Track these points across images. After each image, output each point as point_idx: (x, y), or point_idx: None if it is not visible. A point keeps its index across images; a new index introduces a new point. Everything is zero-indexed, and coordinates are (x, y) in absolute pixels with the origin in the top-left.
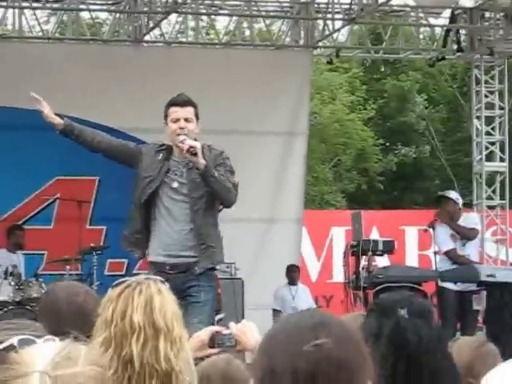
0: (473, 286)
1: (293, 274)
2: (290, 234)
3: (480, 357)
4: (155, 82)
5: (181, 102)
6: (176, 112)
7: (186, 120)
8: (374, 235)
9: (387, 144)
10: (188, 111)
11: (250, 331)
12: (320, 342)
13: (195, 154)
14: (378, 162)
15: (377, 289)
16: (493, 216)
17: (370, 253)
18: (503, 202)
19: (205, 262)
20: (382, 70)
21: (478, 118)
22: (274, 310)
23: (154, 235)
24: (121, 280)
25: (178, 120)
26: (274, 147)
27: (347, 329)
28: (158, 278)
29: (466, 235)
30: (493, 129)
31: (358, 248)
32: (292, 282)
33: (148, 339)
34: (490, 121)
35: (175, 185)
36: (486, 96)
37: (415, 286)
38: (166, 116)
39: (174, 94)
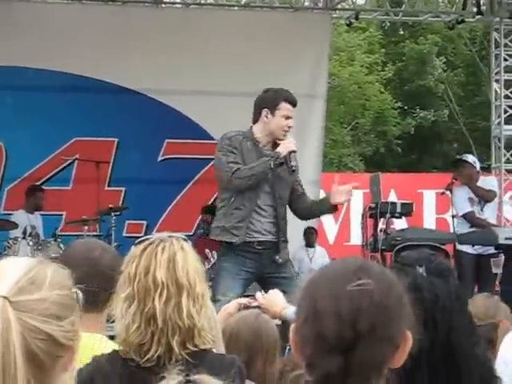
0: (491, 249)
1: (310, 236)
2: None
3: (492, 304)
4: (173, 44)
5: (295, 102)
6: (289, 110)
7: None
8: (392, 198)
9: (405, 107)
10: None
11: (277, 300)
12: (362, 282)
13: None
14: (396, 125)
15: (398, 247)
16: (511, 179)
17: (388, 215)
18: None
19: (284, 255)
20: (401, 32)
21: (497, 81)
22: None
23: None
24: (144, 237)
25: (288, 118)
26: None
27: (389, 275)
28: (181, 235)
29: (484, 197)
30: None
31: (376, 210)
32: (309, 244)
33: (171, 295)
34: (509, 84)
35: (269, 175)
36: (506, 59)
37: (437, 244)
38: (272, 106)
39: (192, 56)
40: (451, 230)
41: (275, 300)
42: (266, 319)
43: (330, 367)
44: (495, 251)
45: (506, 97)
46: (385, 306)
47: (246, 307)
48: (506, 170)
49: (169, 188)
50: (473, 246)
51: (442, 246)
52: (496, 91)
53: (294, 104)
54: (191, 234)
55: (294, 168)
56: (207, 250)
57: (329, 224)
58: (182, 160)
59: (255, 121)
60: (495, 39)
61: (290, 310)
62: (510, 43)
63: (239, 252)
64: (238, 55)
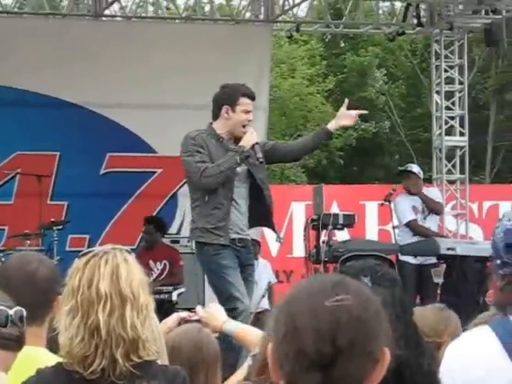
0: (432, 259)
1: (253, 248)
2: None
3: (443, 318)
4: (115, 57)
5: (253, 96)
6: (248, 104)
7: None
8: (335, 209)
9: None
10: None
11: (217, 314)
12: (341, 298)
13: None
14: (337, 137)
15: (343, 258)
16: (452, 190)
17: (330, 227)
18: (463, 176)
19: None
20: (342, 45)
21: (438, 92)
22: None
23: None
24: (88, 250)
25: (248, 112)
26: None
27: (366, 290)
28: (124, 247)
29: (434, 208)
30: (452, 103)
31: (319, 222)
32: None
33: (114, 307)
34: (449, 95)
35: (239, 170)
36: (446, 70)
37: (382, 255)
38: (232, 102)
39: (134, 69)
40: (393, 241)
41: (215, 314)
42: (207, 333)
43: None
44: (436, 261)
45: (447, 108)
46: (364, 321)
47: (187, 321)
48: (448, 180)
49: (111, 201)
50: (415, 256)
51: (387, 256)
52: (437, 102)
53: (252, 98)
54: (134, 247)
55: (261, 160)
56: (151, 262)
57: (271, 236)
58: (124, 173)
59: (215, 118)
60: (436, 51)
61: (230, 325)
62: (450, 54)
63: (227, 248)
64: (179, 68)
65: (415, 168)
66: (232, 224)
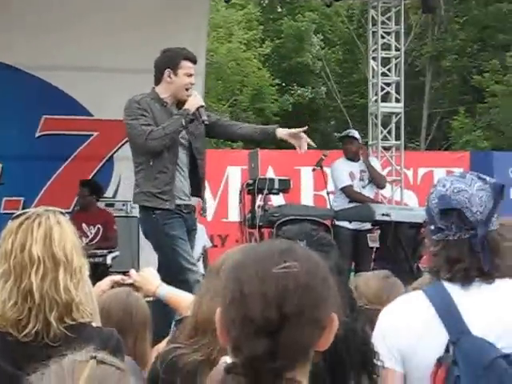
0: (368, 225)
1: None
2: None
3: (387, 286)
4: (50, 20)
5: (194, 59)
6: (190, 67)
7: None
8: (270, 174)
9: (283, 84)
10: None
11: (151, 278)
12: (288, 265)
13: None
14: (274, 102)
15: (279, 222)
16: (388, 157)
17: (265, 191)
18: (398, 142)
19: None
20: (279, 10)
21: (374, 58)
22: None
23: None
24: (21, 212)
25: (191, 75)
26: None
27: (314, 257)
28: (58, 209)
29: (377, 180)
30: (389, 70)
31: (254, 186)
32: None
33: (47, 271)
34: (385, 62)
35: (182, 140)
36: (383, 37)
37: (318, 219)
38: (174, 66)
39: (71, 30)
40: (328, 207)
41: (149, 278)
42: (137, 297)
43: (257, 349)
44: (372, 227)
45: (383, 74)
46: (311, 288)
47: (120, 284)
48: (383, 147)
49: (47, 164)
50: (350, 222)
51: (323, 221)
52: (373, 68)
53: (194, 61)
54: (70, 211)
55: (206, 122)
56: (84, 225)
57: (207, 200)
58: (60, 136)
59: (157, 82)
60: (372, 17)
61: (163, 289)
62: (387, 21)
63: (174, 215)
64: (116, 31)
65: (356, 134)
66: (177, 189)
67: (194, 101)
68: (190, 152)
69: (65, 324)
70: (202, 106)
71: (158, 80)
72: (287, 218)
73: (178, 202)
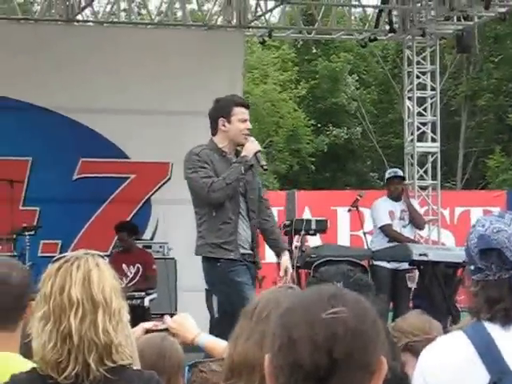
0: (406, 265)
1: None
2: None
3: (426, 319)
4: (87, 62)
5: (245, 103)
6: (244, 113)
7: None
8: (307, 215)
9: (319, 125)
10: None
11: (187, 324)
12: (337, 310)
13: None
14: (309, 142)
15: (317, 263)
16: (424, 196)
17: (302, 232)
18: (435, 182)
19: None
20: (314, 50)
21: (410, 98)
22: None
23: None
24: (60, 255)
25: (245, 121)
26: (207, 129)
27: (362, 301)
28: (97, 252)
29: (417, 220)
30: (424, 109)
31: (291, 227)
32: None
33: (86, 313)
34: (421, 102)
35: (241, 189)
36: (418, 77)
37: (355, 260)
38: (226, 114)
39: (106, 74)
40: (365, 247)
41: (186, 324)
42: (171, 341)
43: None
44: (409, 267)
45: (419, 114)
46: (360, 333)
47: (153, 331)
48: (419, 186)
49: (84, 207)
50: (388, 261)
51: (360, 262)
52: (409, 108)
53: (246, 106)
54: (108, 253)
55: (265, 167)
56: (124, 266)
57: None
58: (97, 179)
59: (214, 132)
60: (408, 57)
61: (202, 337)
62: (422, 61)
63: (239, 263)
64: (152, 74)
65: (400, 172)
66: (240, 239)
67: (251, 146)
68: (246, 202)
69: (105, 366)
70: (259, 151)
71: (214, 130)
72: (324, 259)
73: (242, 251)
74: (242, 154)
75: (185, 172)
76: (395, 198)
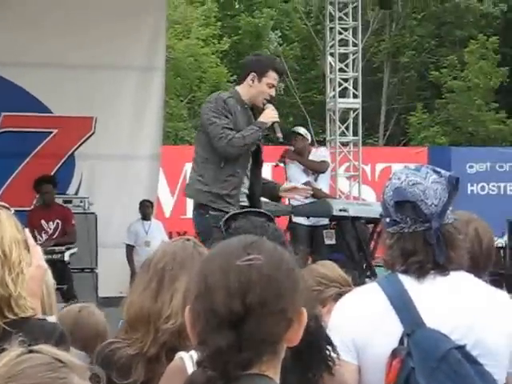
0: (324, 221)
1: (145, 209)
2: (147, 171)
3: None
4: (9, 16)
5: (282, 73)
6: (275, 79)
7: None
8: None
9: None
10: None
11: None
12: (251, 257)
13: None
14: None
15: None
16: (346, 152)
17: None
18: (356, 138)
19: None
20: (237, 6)
21: (332, 54)
22: (128, 245)
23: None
24: None
25: (273, 87)
26: (131, 82)
27: (280, 251)
28: (1, 203)
29: (316, 169)
30: (346, 66)
31: None
32: (145, 216)
33: None
34: (343, 58)
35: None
36: (340, 33)
37: (261, 210)
38: (260, 72)
39: (31, 27)
40: (286, 203)
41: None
42: (89, 311)
43: (221, 342)
44: (328, 222)
45: (341, 70)
46: (274, 279)
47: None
48: (341, 142)
49: (7, 161)
50: (308, 217)
51: (265, 212)
52: (331, 64)
53: (281, 75)
54: (31, 208)
55: (280, 138)
56: (43, 222)
57: (165, 197)
58: (20, 133)
59: (240, 81)
60: (330, 13)
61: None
62: (344, 17)
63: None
64: (75, 27)
65: (302, 130)
66: (240, 193)
67: (270, 114)
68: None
69: (5, 319)
70: (277, 122)
71: (241, 80)
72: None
73: (242, 204)
74: (261, 120)
75: (207, 112)
76: (298, 158)
